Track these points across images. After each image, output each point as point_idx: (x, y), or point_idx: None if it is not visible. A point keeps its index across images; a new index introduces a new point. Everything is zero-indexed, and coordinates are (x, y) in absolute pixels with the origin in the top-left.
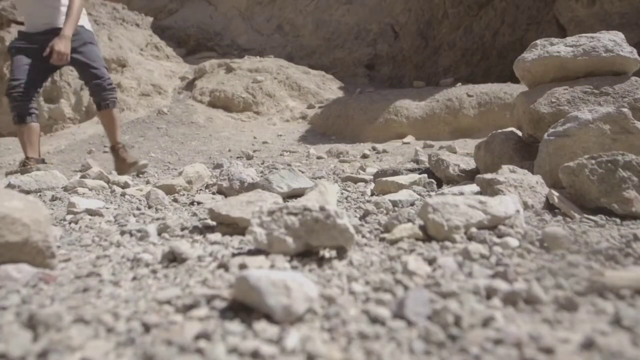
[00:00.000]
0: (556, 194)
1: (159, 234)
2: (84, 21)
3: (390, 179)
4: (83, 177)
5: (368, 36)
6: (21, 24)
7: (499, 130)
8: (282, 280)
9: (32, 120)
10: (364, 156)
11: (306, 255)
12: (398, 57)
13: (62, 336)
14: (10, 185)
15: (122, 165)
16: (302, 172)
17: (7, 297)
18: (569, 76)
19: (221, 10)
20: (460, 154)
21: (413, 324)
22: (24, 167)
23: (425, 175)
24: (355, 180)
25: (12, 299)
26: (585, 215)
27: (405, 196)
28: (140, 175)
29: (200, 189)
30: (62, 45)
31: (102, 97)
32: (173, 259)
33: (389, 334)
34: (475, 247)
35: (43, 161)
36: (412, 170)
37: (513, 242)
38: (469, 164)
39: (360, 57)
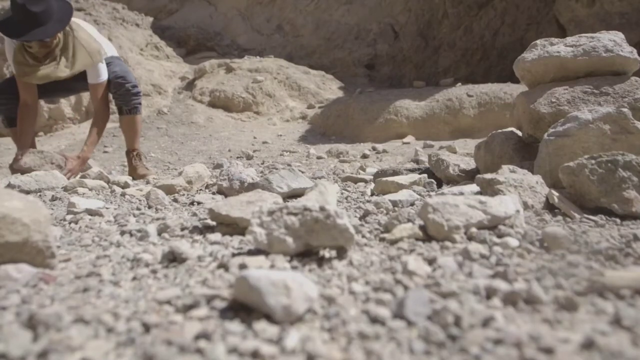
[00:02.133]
0: (556, 194)
1: (159, 234)
2: (112, 51)
3: (390, 179)
4: (83, 177)
5: (368, 36)
6: None
7: (499, 130)
8: (282, 280)
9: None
10: (364, 156)
11: (306, 255)
12: (398, 57)
13: (62, 336)
14: (10, 185)
15: (133, 173)
16: (302, 172)
17: (7, 297)
18: (569, 76)
19: (221, 10)
20: (460, 154)
21: (413, 324)
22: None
23: (425, 175)
24: (355, 180)
25: (12, 299)
26: (585, 215)
27: (405, 196)
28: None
29: (200, 189)
30: (76, 167)
31: (124, 101)
32: (173, 259)
33: (389, 334)
34: (475, 247)
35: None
36: (412, 170)
37: (513, 242)
38: (469, 164)
39: (360, 57)
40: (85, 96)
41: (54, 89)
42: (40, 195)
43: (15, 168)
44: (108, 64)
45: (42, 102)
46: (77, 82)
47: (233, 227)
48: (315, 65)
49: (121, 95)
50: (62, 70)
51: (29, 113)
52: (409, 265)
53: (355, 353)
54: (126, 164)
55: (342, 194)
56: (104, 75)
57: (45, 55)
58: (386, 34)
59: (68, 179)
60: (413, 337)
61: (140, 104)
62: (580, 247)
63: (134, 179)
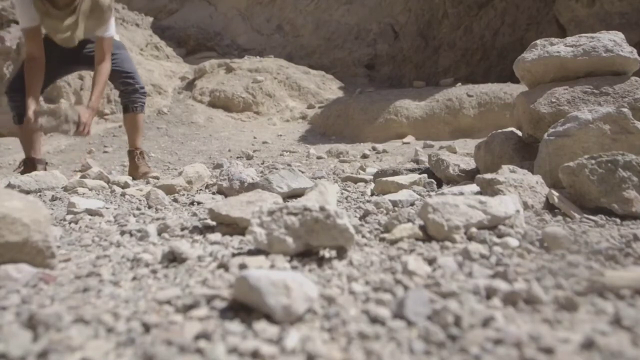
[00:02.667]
0: (556, 194)
1: (159, 234)
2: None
3: (390, 179)
4: (83, 177)
5: (368, 36)
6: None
7: (499, 130)
8: (282, 280)
9: None
10: (364, 156)
11: (306, 255)
12: (398, 57)
13: (62, 336)
14: (10, 185)
15: (135, 172)
16: (302, 172)
17: (7, 297)
18: (569, 76)
19: (221, 10)
20: (460, 154)
21: (413, 324)
22: (25, 169)
23: (425, 175)
24: (355, 180)
25: (12, 299)
26: (585, 215)
27: (405, 196)
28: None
29: (200, 189)
30: (89, 119)
31: (131, 99)
32: (173, 259)
33: (389, 334)
34: (475, 247)
35: (45, 163)
36: (412, 170)
37: (513, 242)
38: (469, 164)
39: (360, 57)
40: (85, 96)
41: (57, 68)
42: (40, 195)
43: (31, 129)
44: (115, 55)
45: (42, 102)
46: (77, 64)
47: (233, 227)
48: (315, 65)
49: (128, 94)
50: (79, 32)
51: (36, 66)
52: (409, 265)
53: (355, 353)
54: (126, 163)
55: (342, 194)
56: (112, 31)
57: (67, 3)
58: (386, 34)
59: (84, 132)
60: (413, 337)
61: (144, 103)
62: (580, 247)
63: (134, 178)
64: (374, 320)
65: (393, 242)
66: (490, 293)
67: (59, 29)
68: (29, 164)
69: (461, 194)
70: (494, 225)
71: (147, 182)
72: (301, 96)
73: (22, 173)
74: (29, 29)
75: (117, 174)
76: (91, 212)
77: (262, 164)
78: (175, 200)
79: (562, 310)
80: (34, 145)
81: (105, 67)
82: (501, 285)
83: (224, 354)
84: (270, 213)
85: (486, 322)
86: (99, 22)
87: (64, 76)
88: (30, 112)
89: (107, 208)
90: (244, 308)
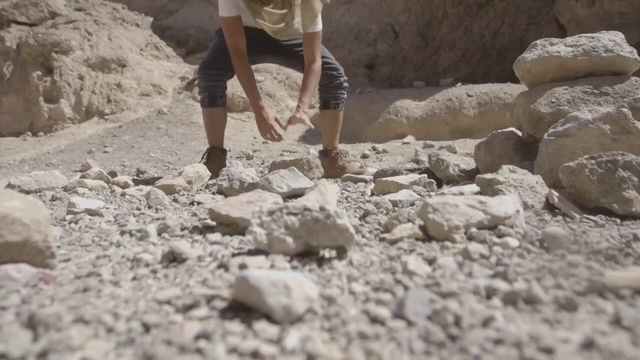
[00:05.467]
0: (556, 194)
1: (159, 234)
2: None
3: (390, 179)
4: (83, 177)
5: (368, 36)
6: (22, 24)
7: (499, 130)
8: (282, 280)
9: (222, 104)
10: (364, 156)
11: (306, 255)
12: (398, 57)
13: (62, 336)
14: (10, 185)
15: (332, 170)
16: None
17: (7, 297)
18: (569, 76)
19: None
20: (460, 154)
21: (413, 324)
22: (212, 159)
23: (425, 175)
24: (355, 180)
25: (12, 299)
26: (585, 215)
27: (405, 196)
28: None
29: (200, 189)
30: (305, 115)
31: (335, 95)
32: (173, 259)
33: (389, 334)
34: (475, 247)
35: (223, 152)
36: (412, 170)
37: (513, 242)
38: (469, 164)
39: (360, 57)
40: (85, 96)
41: (260, 52)
42: (40, 195)
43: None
44: None
45: (42, 102)
46: (278, 56)
47: (233, 227)
48: None
49: (333, 88)
50: (294, 25)
51: (246, 64)
52: (409, 265)
53: (355, 353)
54: (126, 163)
55: (342, 194)
56: (321, 24)
57: None
58: (386, 34)
59: (296, 121)
60: (413, 337)
61: (345, 98)
62: (580, 247)
63: (330, 177)
64: (374, 320)
65: (393, 242)
66: (490, 293)
67: (272, 19)
68: (218, 154)
69: (461, 194)
70: (494, 225)
71: (147, 183)
72: None
73: (207, 164)
74: (230, 18)
75: (118, 175)
76: (91, 212)
77: (262, 164)
78: (175, 200)
79: (562, 310)
80: (223, 134)
81: (317, 67)
82: (501, 285)
83: (224, 354)
84: (270, 213)
85: (486, 322)
86: (310, 14)
87: (259, 63)
88: (269, 113)
89: (107, 208)
90: (244, 308)
